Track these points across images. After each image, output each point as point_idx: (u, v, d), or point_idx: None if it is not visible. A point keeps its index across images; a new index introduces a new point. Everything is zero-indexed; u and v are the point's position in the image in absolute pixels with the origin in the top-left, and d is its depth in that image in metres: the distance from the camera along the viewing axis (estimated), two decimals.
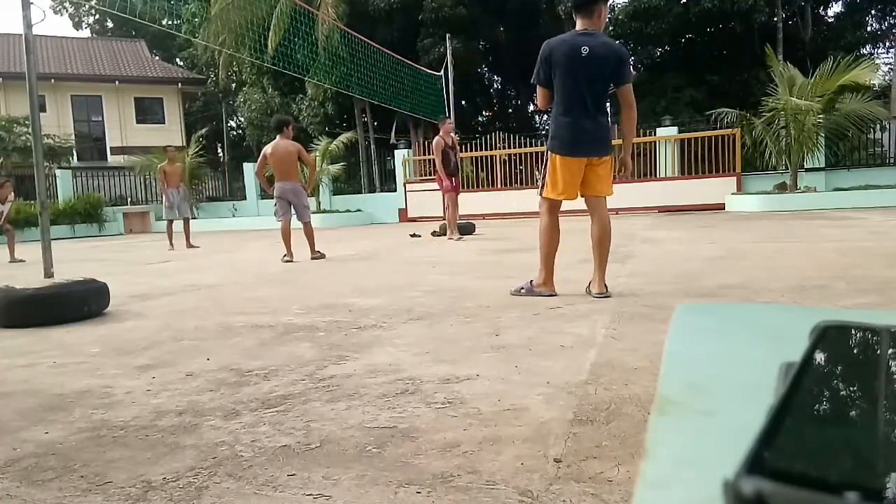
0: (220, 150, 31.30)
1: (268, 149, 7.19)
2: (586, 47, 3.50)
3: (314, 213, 17.53)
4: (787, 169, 13.26)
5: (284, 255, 7.02)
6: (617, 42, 3.78)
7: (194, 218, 10.93)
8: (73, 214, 18.35)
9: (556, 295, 3.85)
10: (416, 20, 19.37)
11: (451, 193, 9.24)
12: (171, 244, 10.22)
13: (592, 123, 3.62)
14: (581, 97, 3.57)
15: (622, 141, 3.87)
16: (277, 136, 7.22)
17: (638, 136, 15.66)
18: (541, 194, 3.88)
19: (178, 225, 10.78)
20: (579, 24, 3.63)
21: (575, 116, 3.59)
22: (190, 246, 10.33)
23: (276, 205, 7.23)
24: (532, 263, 5.56)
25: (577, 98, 3.57)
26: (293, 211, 7.25)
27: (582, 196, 3.84)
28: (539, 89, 3.70)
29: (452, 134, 9.32)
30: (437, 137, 9.16)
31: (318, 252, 7.15)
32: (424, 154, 17.22)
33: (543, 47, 3.62)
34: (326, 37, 16.54)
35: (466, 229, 10.07)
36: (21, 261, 8.87)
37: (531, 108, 26.67)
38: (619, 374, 2.14)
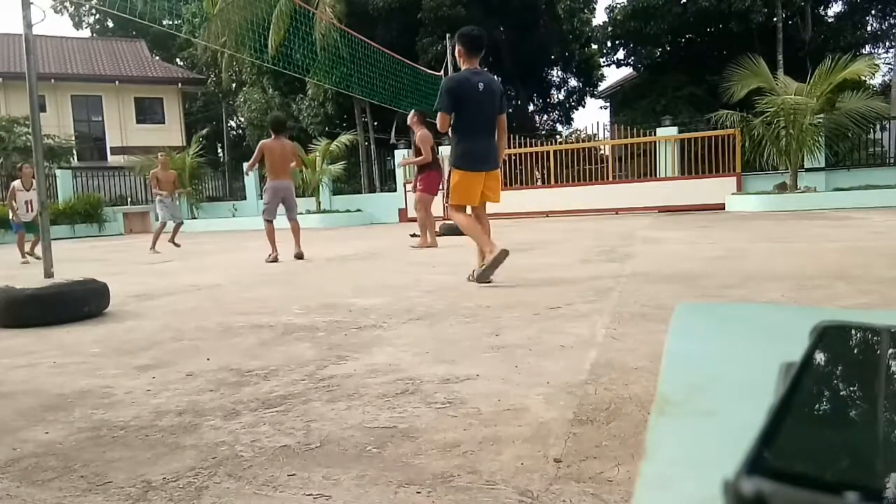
0: (220, 150, 31.31)
1: (267, 143, 7.20)
2: (482, 83, 4.29)
3: (314, 213, 17.65)
4: (787, 169, 13.27)
5: (270, 255, 7.05)
6: (496, 77, 4.52)
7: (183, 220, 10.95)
8: (73, 214, 18.35)
9: (507, 251, 4.40)
10: (415, 19, 19.37)
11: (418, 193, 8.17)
12: (154, 247, 9.79)
13: (488, 144, 4.44)
14: (479, 123, 4.36)
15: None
16: (274, 135, 7.23)
17: (637, 136, 15.69)
18: (446, 202, 4.58)
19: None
20: (469, 64, 4.36)
21: (476, 139, 4.37)
22: (175, 244, 10.07)
23: (267, 203, 7.25)
24: (532, 265, 5.56)
25: (476, 124, 4.36)
26: (282, 209, 7.35)
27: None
28: (442, 115, 4.34)
29: (420, 126, 8.10)
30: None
31: (301, 251, 7.21)
32: None
33: (450, 84, 4.33)
34: (323, 35, 16.53)
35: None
36: (38, 258, 8.78)
37: (531, 108, 26.69)
38: (619, 374, 2.14)
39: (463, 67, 4.38)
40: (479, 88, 4.25)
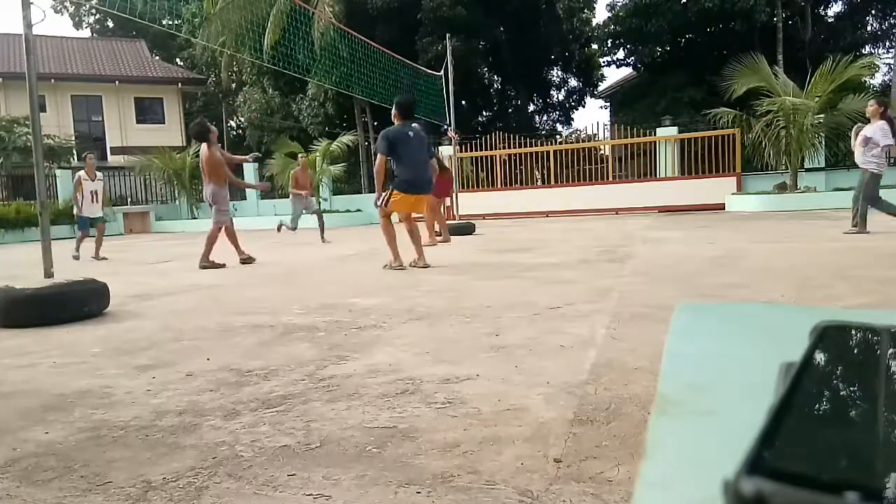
0: None
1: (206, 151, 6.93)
2: (411, 132, 5.71)
3: (315, 213, 17.60)
4: (787, 169, 13.27)
5: (241, 257, 6.91)
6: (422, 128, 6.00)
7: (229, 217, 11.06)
8: (74, 214, 18.34)
9: (405, 268, 5.63)
10: (415, 19, 19.37)
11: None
12: (323, 238, 10.30)
13: (421, 174, 5.77)
14: (412, 160, 5.66)
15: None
16: (204, 145, 6.83)
17: (637, 136, 15.69)
18: (382, 205, 5.75)
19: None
20: (401, 122, 5.71)
21: (410, 172, 5.65)
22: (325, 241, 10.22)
23: (225, 207, 6.93)
24: (533, 264, 5.56)
25: (410, 161, 5.64)
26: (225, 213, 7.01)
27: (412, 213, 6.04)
28: (382, 157, 5.64)
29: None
30: None
31: (212, 262, 6.68)
32: None
33: (387, 134, 5.62)
34: (322, 34, 16.53)
35: (466, 229, 10.07)
36: (103, 258, 8.75)
37: (531, 108, 26.69)
38: (619, 374, 2.14)
39: (397, 124, 5.74)
40: (409, 135, 5.66)
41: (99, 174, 9.59)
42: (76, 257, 8.88)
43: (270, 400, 2.07)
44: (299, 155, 12.97)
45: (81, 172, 9.33)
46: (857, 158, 7.05)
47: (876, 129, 6.87)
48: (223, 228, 6.95)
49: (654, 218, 12.56)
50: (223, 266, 6.64)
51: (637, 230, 9.21)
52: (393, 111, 5.87)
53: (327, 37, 16.28)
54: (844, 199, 12.12)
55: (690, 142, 15.32)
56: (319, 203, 11.72)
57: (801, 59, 18.10)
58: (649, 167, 15.89)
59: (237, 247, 7.01)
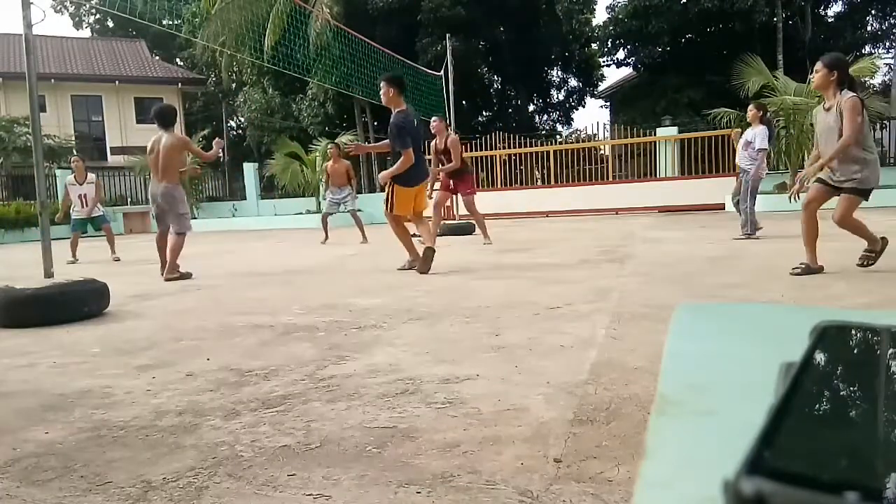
0: (219, 151, 31.32)
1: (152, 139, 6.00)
2: (414, 120, 5.50)
3: (314, 213, 17.60)
4: (787, 169, 13.27)
5: (169, 275, 5.87)
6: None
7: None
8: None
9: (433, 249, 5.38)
10: (414, 20, 19.38)
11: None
12: (326, 235, 9.94)
13: (422, 165, 5.64)
14: (417, 149, 5.46)
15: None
16: (164, 131, 5.91)
17: (637, 136, 15.69)
18: (389, 211, 5.59)
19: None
20: (400, 100, 5.45)
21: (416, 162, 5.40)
22: (365, 241, 9.75)
23: (184, 210, 6.09)
24: (533, 264, 5.56)
25: (415, 150, 5.39)
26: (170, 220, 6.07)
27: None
28: (409, 153, 5.28)
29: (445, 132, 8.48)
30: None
31: (178, 273, 5.86)
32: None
33: (404, 126, 5.31)
34: (318, 33, 16.54)
35: (466, 229, 10.07)
36: (116, 258, 8.63)
37: (531, 108, 26.69)
38: (619, 374, 2.14)
39: (396, 108, 5.43)
40: (415, 123, 5.49)
41: (91, 175, 9.08)
42: (72, 262, 8.60)
43: (270, 400, 2.07)
44: (329, 147, 12.08)
45: (69, 178, 9.06)
46: (744, 163, 7.24)
47: (760, 134, 7.01)
48: (160, 234, 6.18)
49: (654, 218, 12.56)
50: (190, 275, 5.92)
51: (637, 230, 9.21)
52: (384, 88, 5.41)
53: (324, 37, 16.28)
54: None
55: (690, 142, 15.31)
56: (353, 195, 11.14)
57: (801, 59, 18.09)
58: (649, 167, 15.89)
59: (165, 259, 6.02)
